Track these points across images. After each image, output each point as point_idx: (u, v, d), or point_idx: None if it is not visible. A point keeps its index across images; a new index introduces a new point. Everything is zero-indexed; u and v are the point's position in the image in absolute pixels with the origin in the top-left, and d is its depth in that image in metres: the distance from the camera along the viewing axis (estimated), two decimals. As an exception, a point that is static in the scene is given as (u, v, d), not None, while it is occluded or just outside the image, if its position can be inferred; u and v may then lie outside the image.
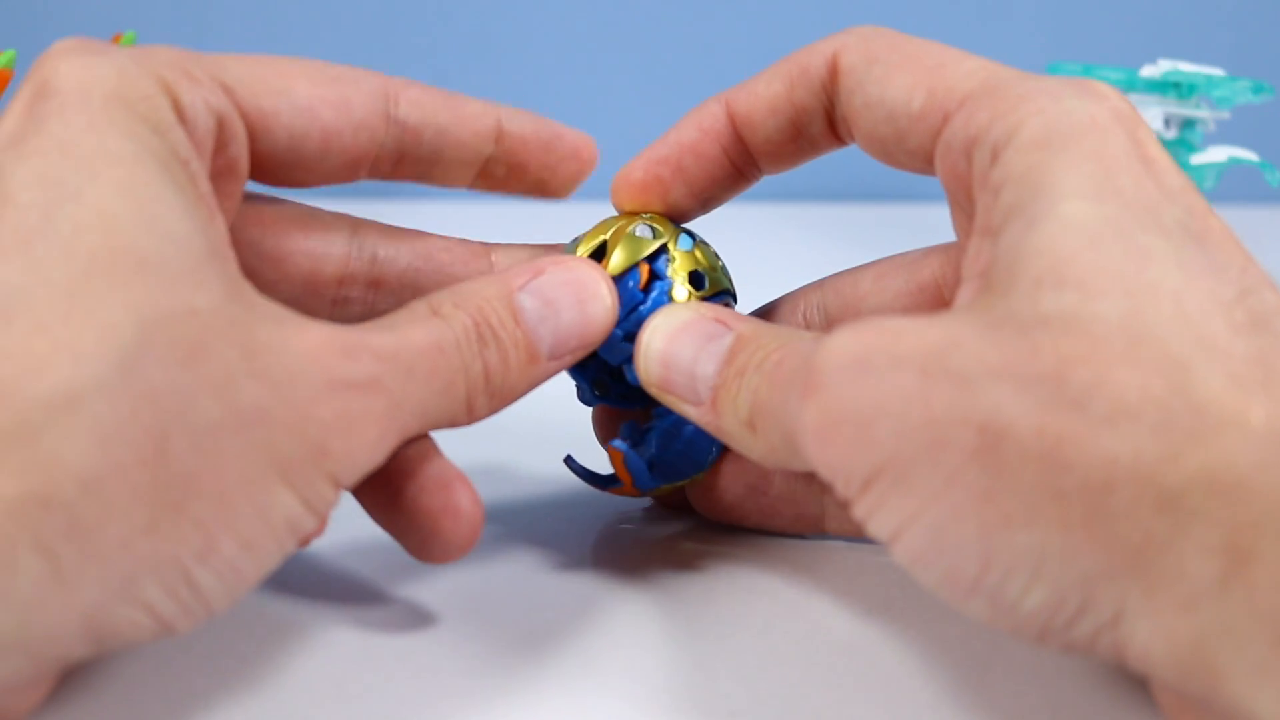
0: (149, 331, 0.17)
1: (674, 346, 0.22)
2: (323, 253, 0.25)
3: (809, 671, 0.21)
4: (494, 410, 0.22)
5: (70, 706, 0.20)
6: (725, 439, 0.22)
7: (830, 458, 0.18)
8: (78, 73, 0.20)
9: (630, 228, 0.25)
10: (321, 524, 0.19)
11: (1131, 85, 0.50)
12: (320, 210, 0.25)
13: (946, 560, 0.17)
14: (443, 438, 0.22)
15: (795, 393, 0.19)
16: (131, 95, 0.20)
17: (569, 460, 0.27)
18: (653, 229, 0.25)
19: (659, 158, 0.26)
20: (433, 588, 0.24)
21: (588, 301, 0.23)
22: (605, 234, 0.25)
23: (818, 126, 0.25)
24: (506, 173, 0.26)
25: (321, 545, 0.26)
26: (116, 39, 0.44)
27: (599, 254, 0.25)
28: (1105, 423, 0.16)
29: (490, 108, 0.25)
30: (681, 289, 0.24)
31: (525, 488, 0.30)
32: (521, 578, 0.25)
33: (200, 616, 0.18)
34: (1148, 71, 0.50)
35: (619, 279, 0.24)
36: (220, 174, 0.22)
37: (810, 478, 0.26)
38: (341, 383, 0.19)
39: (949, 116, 0.21)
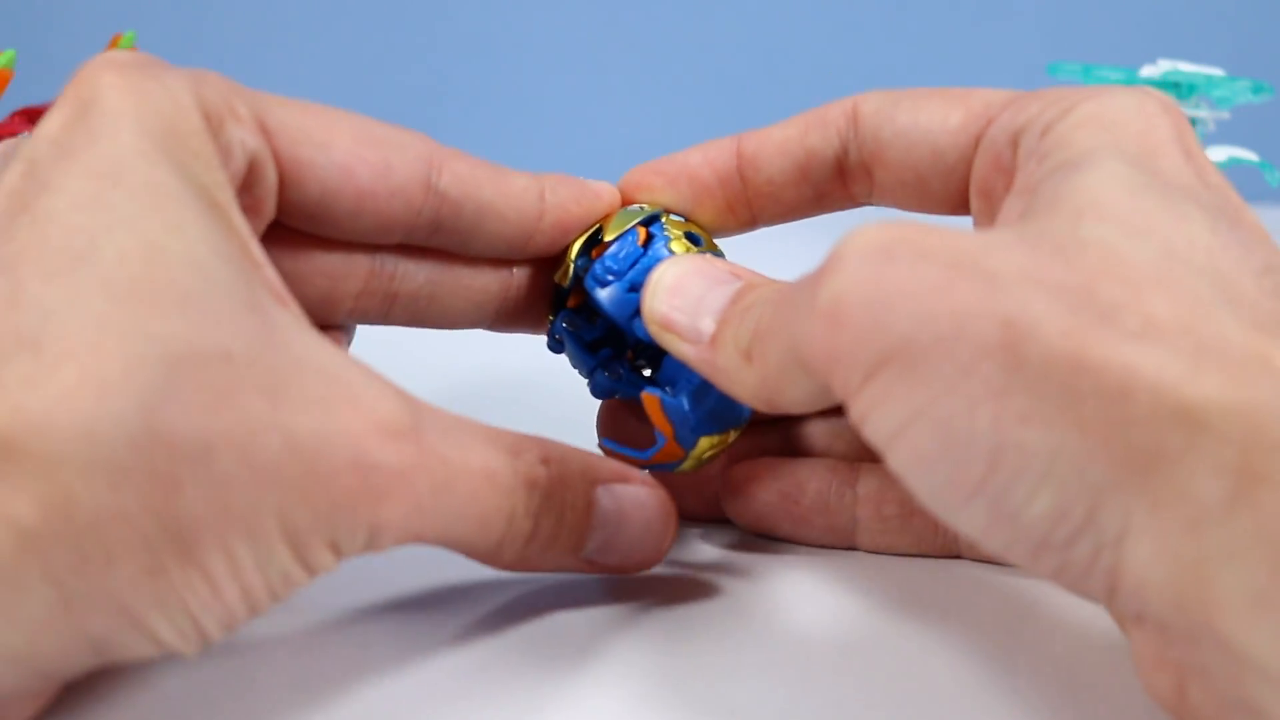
0: (179, 372, 0.17)
1: (684, 283, 0.22)
2: (344, 272, 0.24)
3: (808, 671, 0.21)
4: (514, 569, 0.22)
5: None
6: (719, 378, 0.21)
7: (838, 342, 0.17)
8: (131, 96, 0.19)
9: (623, 209, 0.26)
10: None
11: (1131, 85, 0.50)
12: None
13: (952, 458, 0.17)
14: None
15: (804, 305, 0.18)
16: (184, 129, 0.20)
17: (604, 443, 0.26)
18: (644, 207, 0.26)
19: (658, 169, 0.26)
20: (430, 587, 0.24)
21: (652, 531, 0.23)
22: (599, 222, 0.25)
23: (825, 173, 0.25)
24: (548, 243, 0.25)
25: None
26: (116, 39, 0.44)
27: (595, 238, 0.25)
28: (1132, 336, 0.16)
29: (534, 183, 0.25)
30: (680, 246, 0.25)
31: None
32: (523, 578, 0.25)
33: (201, 646, 0.18)
34: (1148, 71, 0.50)
35: (617, 239, 0.25)
36: (244, 212, 0.21)
37: (845, 487, 0.26)
38: (368, 466, 0.18)
39: (993, 120, 0.22)
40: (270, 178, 0.22)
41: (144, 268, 0.18)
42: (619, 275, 0.24)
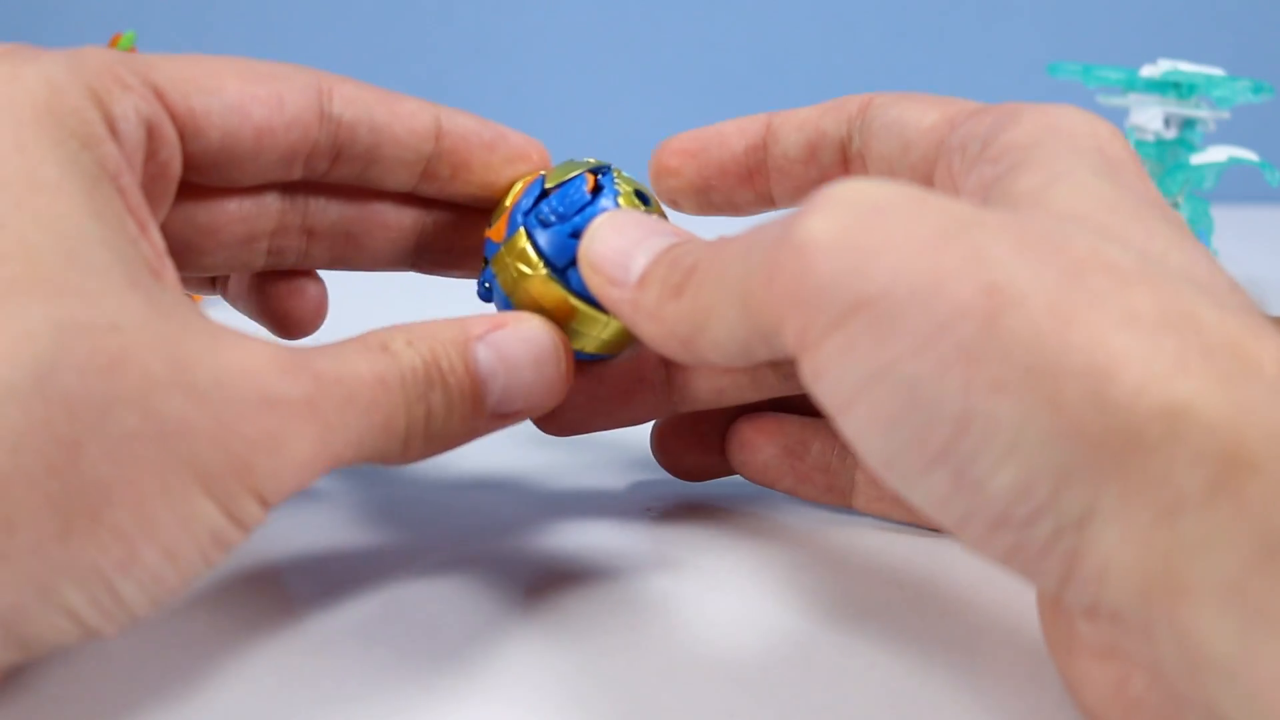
0: (67, 341, 0.17)
1: (625, 228, 0.22)
2: (256, 214, 0.25)
3: (809, 671, 0.21)
4: (430, 454, 0.22)
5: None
6: (637, 318, 0.21)
7: (805, 283, 0.17)
8: (5, 85, 0.20)
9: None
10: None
11: (1131, 85, 0.50)
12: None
13: (915, 421, 0.16)
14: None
15: (768, 243, 0.18)
16: (61, 110, 0.20)
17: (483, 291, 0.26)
18: (593, 160, 0.26)
19: (694, 133, 0.27)
20: (423, 576, 0.24)
21: (544, 364, 0.23)
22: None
23: (832, 156, 0.26)
24: (451, 173, 0.26)
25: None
26: (116, 39, 0.44)
27: (538, 187, 0.25)
28: (1120, 324, 0.16)
29: (428, 106, 0.26)
30: (627, 201, 0.24)
31: (522, 473, 0.30)
32: (514, 572, 0.25)
33: (124, 622, 0.18)
34: (1148, 71, 0.50)
35: (564, 184, 0.24)
36: (151, 179, 0.22)
37: (846, 450, 0.27)
38: (274, 400, 0.19)
39: (955, 126, 0.22)
40: (171, 138, 0.22)
41: (23, 266, 0.18)
42: (562, 219, 0.24)
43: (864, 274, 0.16)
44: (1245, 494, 0.15)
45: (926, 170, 0.23)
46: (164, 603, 0.18)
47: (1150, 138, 0.50)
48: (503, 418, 0.23)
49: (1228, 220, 0.59)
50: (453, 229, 0.27)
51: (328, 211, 0.26)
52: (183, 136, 0.22)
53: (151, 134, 0.21)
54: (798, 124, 0.26)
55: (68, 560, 0.17)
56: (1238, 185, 0.80)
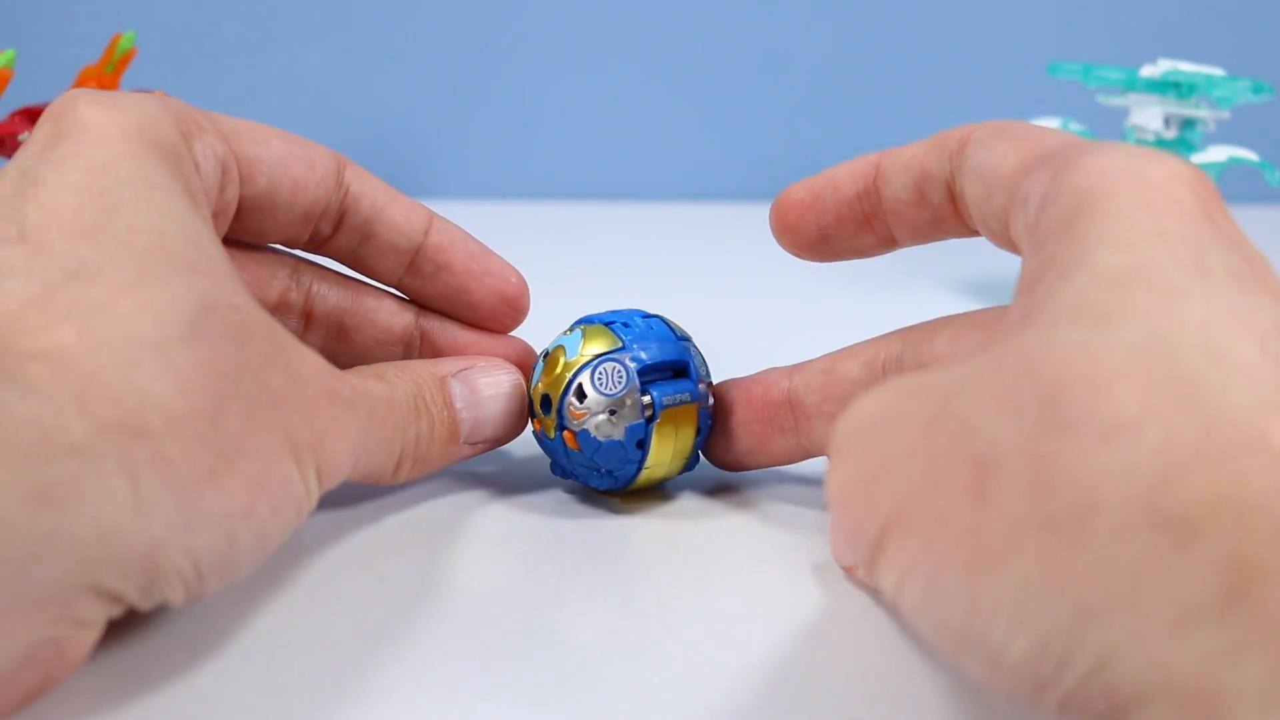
0: (208, 309, 0.19)
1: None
2: (266, 284, 0.27)
3: (810, 671, 0.21)
4: (413, 476, 0.26)
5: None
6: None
7: (847, 523, 0.18)
8: (109, 112, 0.21)
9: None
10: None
11: (1131, 85, 0.50)
12: (262, 246, 0.27)
13: (937, 610, 0.17)
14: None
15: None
16: (158, 137, 0.22)
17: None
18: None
19: (808, 183, 0.27)
20: (414, 574, 0.24)
21: (509, 399, 0.28)
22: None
23: (939, 194, 0.25)
24: (433, 270, 0.28)
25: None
26: (116, 39, 0.44)
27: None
28: (1098, 440, 0.15)
29: (425, 207, 0.28)
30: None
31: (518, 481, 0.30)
32: (512, 571, 0.25)
33: (223, 581, 0.19)
34: (1148, 71, 0.50)
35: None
36: (214, 215, 0.24)
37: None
38: (334, 394, 0.22)
39: (1028, 173, 0.21)
40: (236, 178, 0.24)
41: (153, 239, 0.20)
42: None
43: (880, 500, 0.18)
44: (1265, 598, 0.14)
45: (1005, 220, 0.22)
46: (256, 566, 0.20)
47: (1150, 138, 0.50)
48: (474, 445, 0.27)
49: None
50: (432, 351, 0.29)
51: (327, 298, 0.28)
52: (240, 180, 0.25)
53: (223, 172, 0.24)
54: (904, 164, 0.25)
55: (208, 502, 0.18)
56: (1238, 185, 0.80)
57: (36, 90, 0.51)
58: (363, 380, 0.24)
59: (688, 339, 0.28)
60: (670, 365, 0.27)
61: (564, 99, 0.77)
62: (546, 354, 0.28)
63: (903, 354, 0.27)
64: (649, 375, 0.27)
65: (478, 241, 0.29)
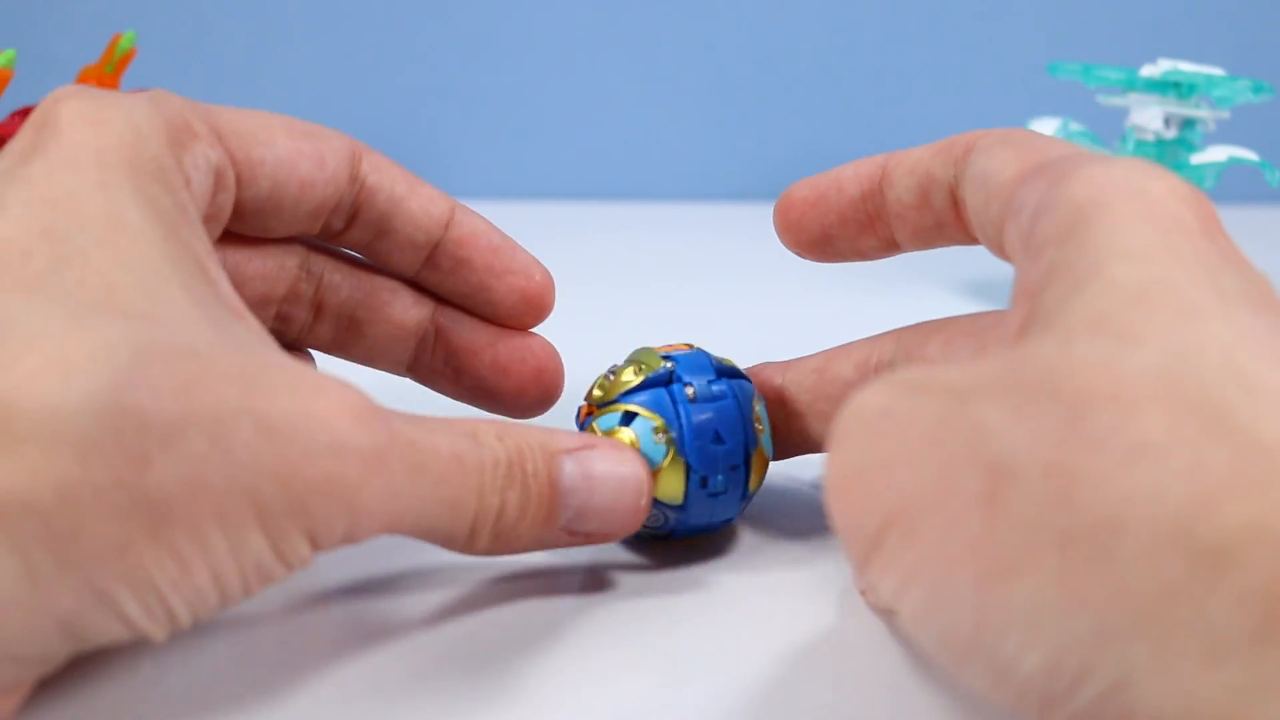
0: (144, 359, 0.17)
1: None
2: (275, 275, 0.26)
3: (809, 671, 0.21)
4: (493, 552, 0.22)
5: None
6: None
7: (844, 513, 0.18)
8: (90, 126, 0.20)
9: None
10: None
11: (1131, 85, 0.50)
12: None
13: (943, 619, 0.16)
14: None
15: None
16: (143, 155, 0.20)
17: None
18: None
19: (813, 181, 0.26)
20: (429, 590, 0.24)
21: (625, 494, 0.23)
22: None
23: (942, 199, 0.24)
24: (452, 266, 0.27)
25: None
26: (116, 39, 0.44)
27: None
28: (1124, 461, 0.15)
29: (448, 197, 0.27)
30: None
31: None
32: (512, 579, 0.25)
33: (173, 629, 0.18)
34: (1148, 71, 0.50)
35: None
36: (205, 221, 0.22)
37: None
38: (341, 446, 0.18)
39: (1023, 182, 0.21)
40: (230, 184, 0.23)
41: (104, 293, 0.18)
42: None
43: (882, 495, 0.17)
44: None
45: (1001, 228, 0.22)
46: (206, 619, 0.18)
47: (1150, 137, 0.50)
48: (573, 535, 0.23)
49: (1228, 220, 0.59)
50: (447, 349, 0.28)
51: (339, 289, 0.27)
52: (238, 184, 0.23)
53: (216, 179, 0.22)
54: (909, 167, 0.25)
55: (125, 571, 0.17)
56: (1238, 185, 0.80)
57: (36, 90, 0.51)
58: (423, 429, 0.20)
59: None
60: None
61: (564, 99, 0.77)
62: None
63: (895, 356, 0.27)
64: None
65: (501, 234, 0.27)
